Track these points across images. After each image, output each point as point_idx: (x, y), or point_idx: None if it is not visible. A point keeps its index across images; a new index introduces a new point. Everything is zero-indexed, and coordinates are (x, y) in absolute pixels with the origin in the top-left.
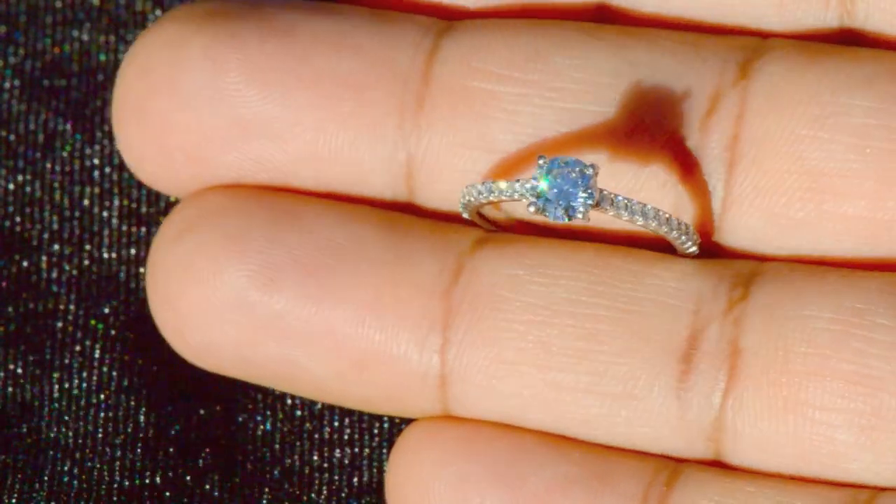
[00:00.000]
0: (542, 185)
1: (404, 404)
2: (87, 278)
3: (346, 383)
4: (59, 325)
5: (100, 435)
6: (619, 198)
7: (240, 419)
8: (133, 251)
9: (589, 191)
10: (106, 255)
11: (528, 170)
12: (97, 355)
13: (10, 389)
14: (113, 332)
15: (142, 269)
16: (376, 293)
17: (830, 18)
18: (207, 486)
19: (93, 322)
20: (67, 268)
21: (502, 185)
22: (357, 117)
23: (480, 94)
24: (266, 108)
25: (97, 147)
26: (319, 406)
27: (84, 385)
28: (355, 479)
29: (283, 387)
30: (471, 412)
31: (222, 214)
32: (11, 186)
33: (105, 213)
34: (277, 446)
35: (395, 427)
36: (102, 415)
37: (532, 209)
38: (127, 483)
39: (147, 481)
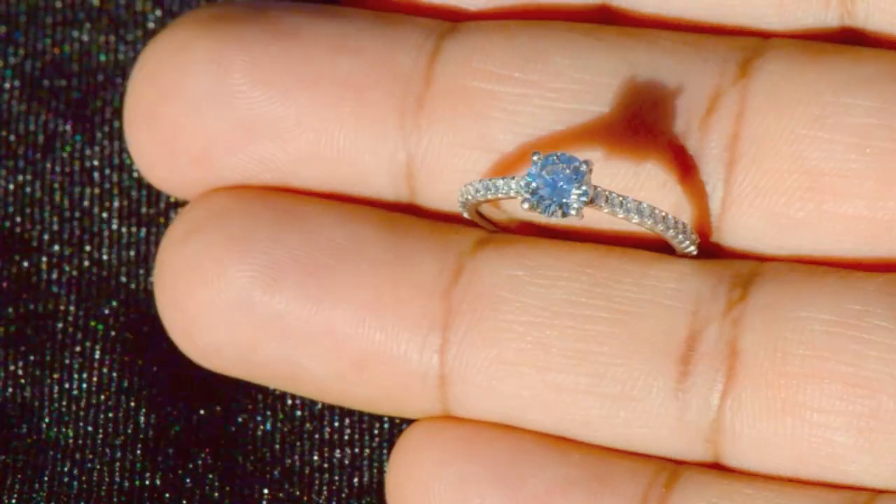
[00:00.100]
0: (536, 181)
1: (404, 405)
2: (87, 279)
3: (347, 383)
4: (59, 325)
5: (100, 436)
6: (614, 195)
7: (240, 420)
8: (133, 252)
9: (583, 187)
10: (106, 256)
11: (526, 167)
12: (97, 356)
13: (9, 390)
14: (113, 333)
15: (142, 270)
16: (376, 293)
17: (831, 18)
18: (207, 487)
19: (93, 323)
20: (67, 269)
21: (498, 182)
22: (358, 117)
23: (481, 94)
24: (269, 108)
25: (97, 148)
26: (319, 406)
27: (84, 386)
28: (355, 480)
29: (286, 387)
30: (471, 413)
31: (227, 216)
32: (11, 187)
33: (105, 214)
34: (277, 447)
35: (395, 427)
36: (102, 415)
37: (526, 206)
38: (127, 484)
39: (147, 482)
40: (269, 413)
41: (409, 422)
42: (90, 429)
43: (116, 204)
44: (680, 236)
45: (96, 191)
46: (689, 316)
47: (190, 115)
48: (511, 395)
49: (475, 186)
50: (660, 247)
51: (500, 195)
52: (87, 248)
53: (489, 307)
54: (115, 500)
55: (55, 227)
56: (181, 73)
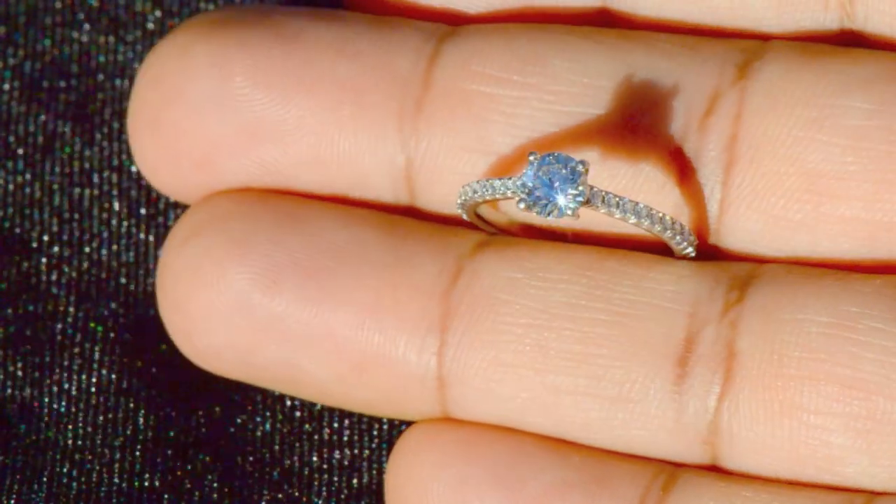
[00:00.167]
0: (532, 181)
1: (404, 407)
2: (87, 280)
3: (347, 386)
4: (59, 327)
5: (99, 437)
6: (611, 195)
7: (239, 420)
8: (132, 253)
9: (579, 188)
10: (105, 257)
11: (523, 168)
12: (96, 357)
13: (9, 391)
14: (112, 335)
15: (141, 272)
16: (376, 295)
17: (830, 20)
18: (206, 488)
19: (92, 324)
20: (67, 270)
21: (496, 182)
22: (357, 121)
23: (479, 97)
24: (270, 112)
25: (96, 149)
26: (319, 407)
27: (83, 387)
28: (355, 481)
29: (286, 390)
30: (469, 415)
31: (228, 219)
32: (11, 188)
33: (105, 215)
34: (277, 447)
35: (394, 428)
36: (101, 417)
37: (522, 206)
38: (126, 485)
39: (146, 483)
40: (268, 414)
41: (409, 423)
42: (89, 430)
43: (116, 205)
44: (678, 237)
45: (96, 192)
46: (687, 318)
47: (192, 119)
48: (509, 396)
49: (473, 187)
50: (659, 249)
51: (497, 195)
52: (87, 249)
53: (488, 309)
54: (114, 501)
55: (54, 229)
56: (183, 78)
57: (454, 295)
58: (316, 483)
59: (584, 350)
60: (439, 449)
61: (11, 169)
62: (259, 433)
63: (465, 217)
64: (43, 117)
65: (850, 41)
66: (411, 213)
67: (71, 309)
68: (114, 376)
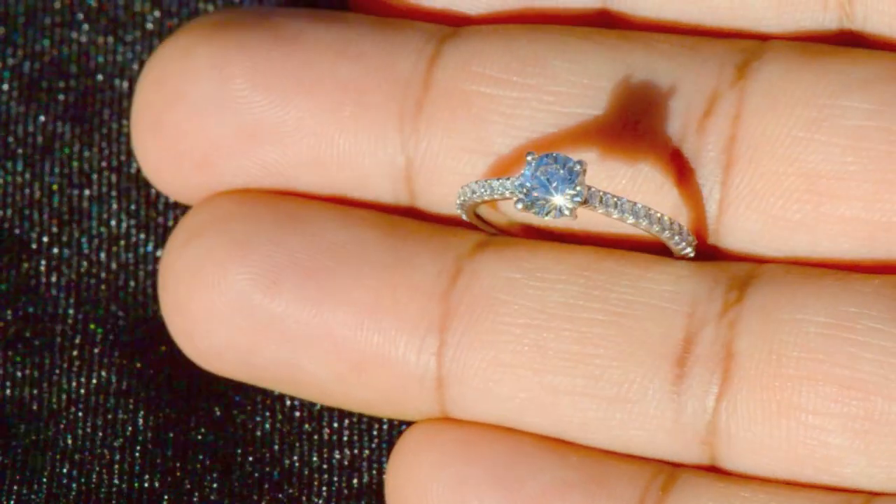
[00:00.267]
0: (530, 181)
1: (403, 407)
2: (86, 281)
3: (347, 386)
4: (59, 328)
5: (99, 438)
6: (609, 196)
7: (238, 421)
8: (132, 254)
9: (577, 188)
10: (105, 259)
11: (522, 168)
12: (96, 358)
13: (8, 392)
14: (112, 336)
15: (141, 272)
16: (375, 295)
17: (829, 20)
18: (206, 489)
19: (92, 326)
20: (66, 271)
21: (494, 182)
22: (357, 121)
23: (479, 97)
24: (270, 113)
25: (95, 149)
26: (318, 407)
27: (83, 388)
28: (355, 481)
29: (287, 390)
30: (468, 415)
31: (229, 219)
32: (10, 189)
33: (104, 216)
34: (276, 448)
35: (394, 428)
36: (101, 418)
37: (520, 206)
38: (125, 486)
39: (146, 484)
40: (268, 414)
41: (409, 423)
42: (89, 430)
43: (115, 206)
44: (676, 238)
45: (95, 192)
46: (686, 318)
47: (193, 120)
48: (508, 397)
49: (472, 187)
50: (658, 249)
51: (495, 196)
52: (86, 249)
53: (487, 309)
54: (113, 501)
55: (54, 230)
56: (184, 80)
57: (453, 295)
58: (316, 483)
59: (581, 350)
60: (438, 449)
61: (11, 169)
62: (259, 433)
63: (464, 217)
64: (42, 118)
65: (849, 41)
66: (411, 214)
67: (71, 311)
68: (113, 377)
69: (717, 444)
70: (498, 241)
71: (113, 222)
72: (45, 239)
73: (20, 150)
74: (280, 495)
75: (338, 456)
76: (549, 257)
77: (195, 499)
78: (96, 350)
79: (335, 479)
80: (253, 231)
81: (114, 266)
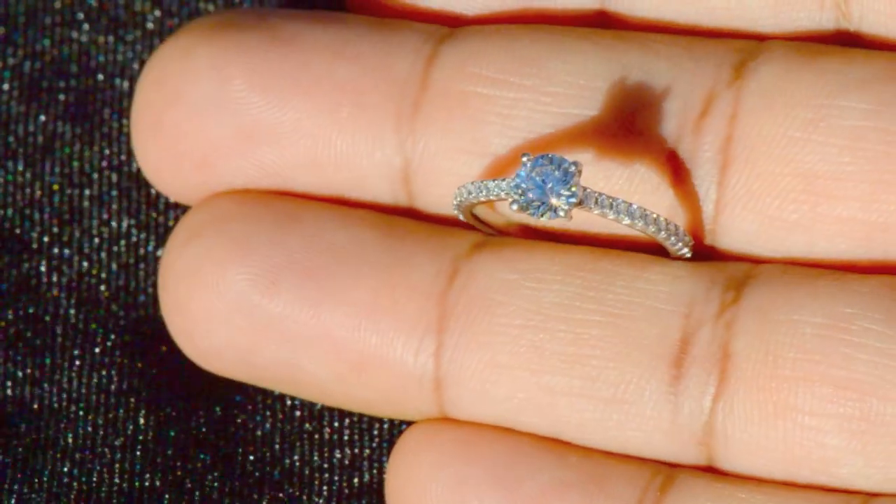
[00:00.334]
0: (525, 182)
1: (403, 407)
2: (87, 281)
3: (346, 386)
4: (59, 328)
5: (99, 437)
6: (604, 196)
7: (239, 420)
8: (132, 254)
9: (572, 189)
10: (105, 258)
11: (517, 169)
12: (96, 358)
13: (9, 392)
14: (112, 336)
15: (141, 272)
16: (374, 295)
17: (826, 20)
18: (207, 488)
19: (93, 325)
20: (67, 270)
21: (490, 183)
22: (355, 122)
23: (476, 98)
24: (268, 114)
25: (96, 149)
26: (319, 407)
27: (83, 388)
28: (355, 480)
29: (287, 389)
30: (466, 416)
31: (228, 220)
32: (11, 188)
33: (105, 216)
34: (277, 447)
35: (395, 428)
36: (102, 417)
37: (515, 207)
38: (126, 485)
39: (147, 483)
40: (268, 413)
41: (409, 423)
42: (90, 430)
43: (115, 206)
44: (672, 238)
45: (95, 192)
46: (682, 319)
47: (192, 121)
48: (505, 398)
49: (468, 188)
50: (655, 249)
51: (491, 196)
52: (87, 249)
53: (484, 310)
54: (114, 501)
55: (55, 229)
56: (184, 80)
57: (451, 296)
58: (316, 482)
59: (578, 351)
60: (438, 449)
61: (12, 169)
62: (259, 433)
63: (461, 218)
64: (42, 117)
65: (845, 41)
66: (409, 214)
67: (71, 310)
68: (114, 377)
69: (714, 444)
70: (495, 241)
71: (113, 222)
72: (46, 239)
73: (21, 150)
74: (281, 494)
75: (338, 455)
76: (545, 258)
77: (196, 498)
78: (97, 350)
79: (336, 478)
80: (252, 231)
81: (114, 266)
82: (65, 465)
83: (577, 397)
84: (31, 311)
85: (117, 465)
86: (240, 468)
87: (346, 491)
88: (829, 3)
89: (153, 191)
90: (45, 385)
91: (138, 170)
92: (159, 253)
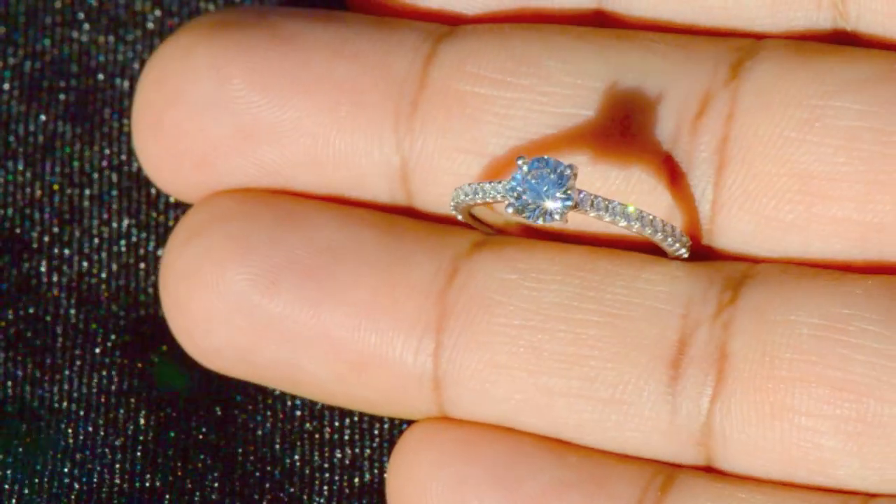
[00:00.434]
0: (520, 185)
1: (403, 406)
2: (87, 281)
3: (347, 385)
4: (59, 328)
5: (100, 437)
6: (599, 199)
7: (239, 420)
8: (132, 253)
9: (567, 192)
10: (105, 258)
11: (513, 171)
12: (97, 358)
13: (10, 391)
14: (113, 336)
15: (142, 272)
16: (373, 295)
17: (823, 19)
18: (207, 488)
19: (93, 325)
20: (67, 270)
21: (486, 186)
22: (354, 121)
23: (473, 97)
24: (268, 113)
25: (96, 148)
26: (319, 406)
27: (83, 388)
28: (356, 480)
29: (286, 388)
30: (465, 416)
31: (229, 219)
32: (11, 188)
33: (105, 216)
34: (278, 447)
35: (395, 427)
36: (102, 417)
37: (510, 210)
38: (126, 485)
39: (147, 484)
40: (269, 413)
41: (410, 422)
42: (90, 430)
43: (116, 205)
44: (669, 239)
45: (96, 192)
46: (680, 319)
47: (192, 120)
48: (504, 398)
49: (464, 190)
50: (653, 249)
51: (487, 199)
52: (87, 249)
53: (483, 310)
54: (115, 501)
55: (55, 229)
56: (184, 79)
57: (450, 295)
58: (317, 482)
59: (576, 351)
60: (438, 448)
61: (12, 168)
62: (260, 433)
63: (459, 218)
64: (43, 117)
65: (842, 40)
66: (408, 213)
67: (72, 310)
68: (114, 377)
69: (712, 445)
70: (494, 240)
71: (114, 222)
72: (46, 238)
73: (21, 150)
74: (281, 494)
75: (339, 455)
76: (544, 257)
77: (196, 498)
78: (97, 350)
79: (336, 478)
80: (252, 230)
81: (114, 266)
82: (65, 466)
83: (576, 398)
84: (31, 311)
85: (118, 465)
86: (240, 468)
87: (347, 490)
88: (826, 2)
89: (153, 190)
90: (46, 385)
91: (138, 169)
92: (159, 252)
